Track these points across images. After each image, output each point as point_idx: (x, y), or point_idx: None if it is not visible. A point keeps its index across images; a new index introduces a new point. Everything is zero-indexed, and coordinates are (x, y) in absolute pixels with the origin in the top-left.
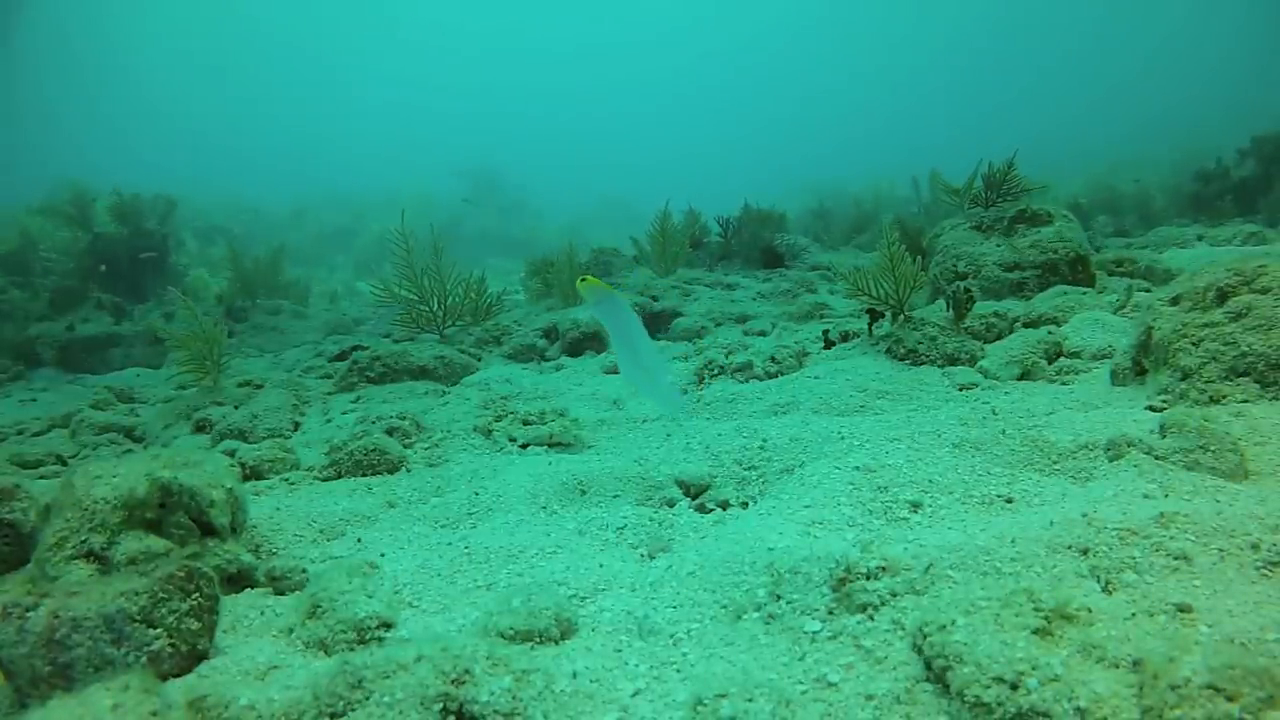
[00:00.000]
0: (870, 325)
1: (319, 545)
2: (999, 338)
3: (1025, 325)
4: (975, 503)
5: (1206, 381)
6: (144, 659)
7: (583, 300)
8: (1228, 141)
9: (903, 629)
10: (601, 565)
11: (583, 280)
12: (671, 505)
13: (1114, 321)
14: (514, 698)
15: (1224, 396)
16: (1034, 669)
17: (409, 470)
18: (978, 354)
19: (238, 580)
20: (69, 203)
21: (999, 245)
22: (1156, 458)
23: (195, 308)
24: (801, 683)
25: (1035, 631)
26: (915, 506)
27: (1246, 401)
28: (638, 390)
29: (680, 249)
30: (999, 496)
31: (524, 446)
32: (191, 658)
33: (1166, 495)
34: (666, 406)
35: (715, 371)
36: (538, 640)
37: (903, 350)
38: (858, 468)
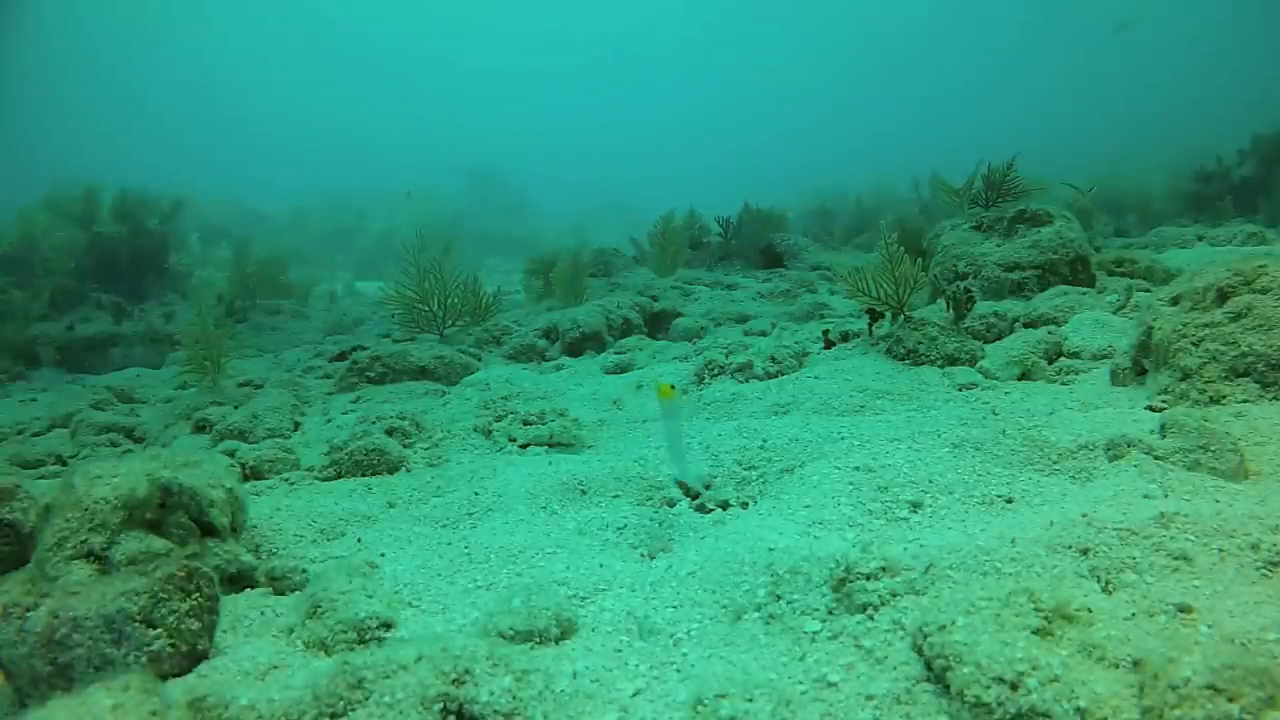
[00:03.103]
0: (870, 325)
1: (319, 545)
2: (999, 338)
3: (1025, 325)
4: (975, 503)
5: (1207, 381)
6: (144, 659)
7: (658, 401)
8: (1228, 141)
9: (903, 629)
10: (601, 565)
11: (661, 387)
12: (672, 505)
13: (1114, 321)
14: (514, 698)
15: (1224, 396)
16: (1034, 669)
17: (409, 470)
18: (978, 354)
19: (238, 580)
20: (77, 199)
21: (999, 245)
22: (1157, 458)
23: (208, 309)
24: (801, 683)
25: (1035, 631)
26: (915, 506)
27: (1247, 401)
28: (674, 462)
29: (680, 249)
30: (999, 496)
31: (524, 446)
32: (191, 658)
33: (1167, 495)
34: (689, 479)
35: (715, 371)
36: (538, 640)
37: (903, 350)
38: (858, 468)
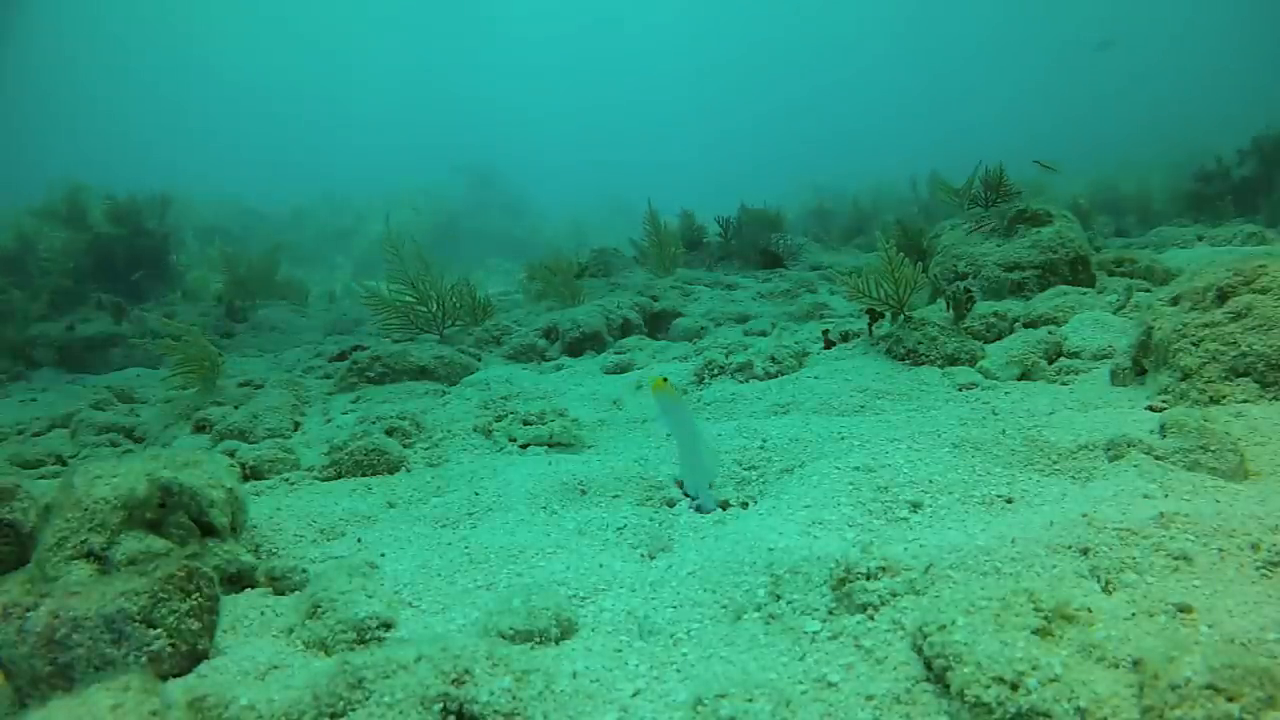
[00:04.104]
0: (870, 325)
1: (319, 545)
2: (999, 338)
3: (1025, 325)
4: (975, 503)
5: (1207, 381)
6: (144, 659)
7: (654, 398)
8: (1228, 141)
9: (903, 629)
10: (601, 565)
11: (655, 382)
12: (671, 505)
13: (1114, 321)
14: (514, 698)
15: (1224, 396)
16: (1034, 669)
17: (409, 470)
18: (978, 354)
19: (238, 580)
20: (63, 204)
21: (999, 245)
22: (1157, 458)
23: (188, 325)
24: (801, 683)
25: (1035, 631)
26: (915, 506)
27: (1246, 401)
28: (686, 480)
29: (676, 249)
30: (999, 496)
31: (524, 446)
32: (191, 658)
33: (1166, 495)
34: (703, 500)
35: (715, 371)
36: (538, 640)
37: (903, 350)
38: (858, 468)
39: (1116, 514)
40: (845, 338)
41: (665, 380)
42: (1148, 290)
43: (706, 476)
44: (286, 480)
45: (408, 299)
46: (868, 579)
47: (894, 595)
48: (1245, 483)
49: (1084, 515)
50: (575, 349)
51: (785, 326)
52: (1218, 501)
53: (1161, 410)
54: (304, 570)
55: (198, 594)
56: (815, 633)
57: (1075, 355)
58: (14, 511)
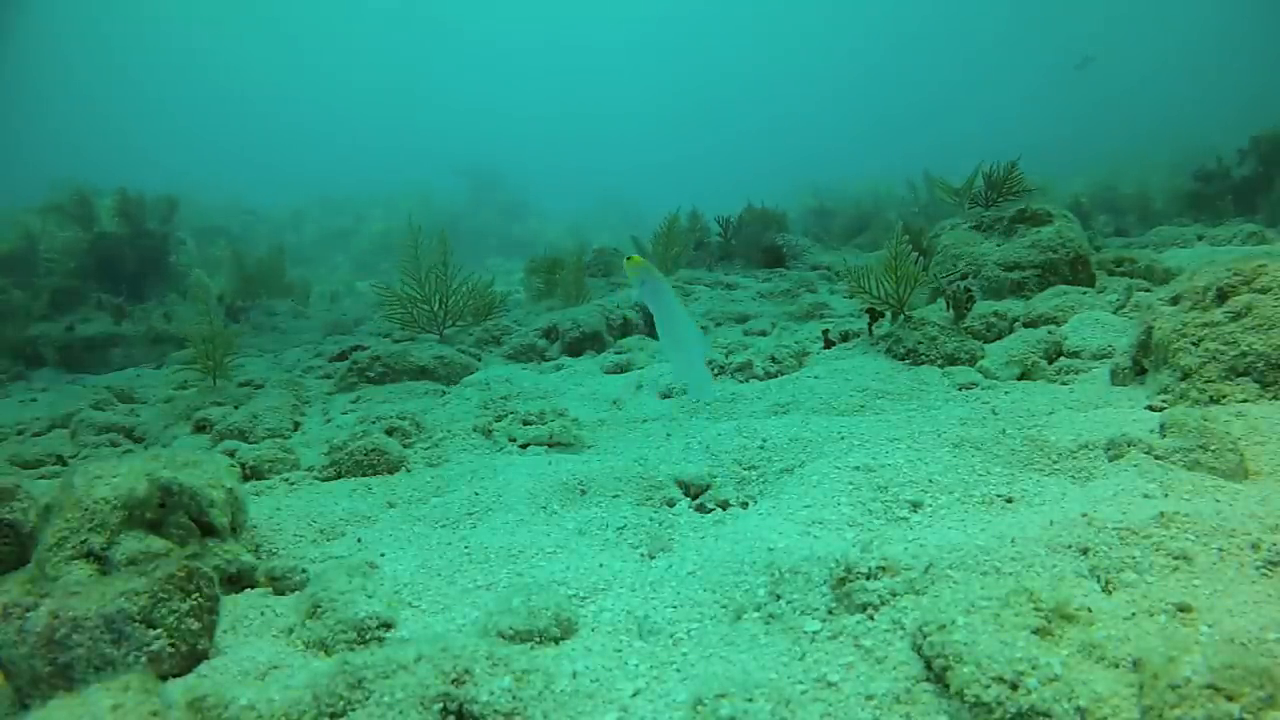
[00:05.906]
0: (870, 325)
1: (319, 545)
2: (999, 338)
3: (1025, 325)
4: (975, 502)
5: (1206, 381)
6: (144, 659)
7: (629, 279)
8: (1228, 141)
9: (903, 629)
10: (601, 565)
11: (629, 260)
12: (671, 505)
13: (1114, 321)
14: (514, 698)
15: (1224, 396)
16: (1034, 669)
17: (409, 470)
18: (978, 354)
19: (238, 580)
20: (72, 201)
21: (999, 245)
22: (1157, 457)
23: (205, 308)
24: (801, 682)
25: (1035, 631)
26: (915, 506)
27: (1246, 401)
28: (673, 368)
29: (683, 249)
30: (999, 496)
31: (524, 446)
32: (191, 658)
33: (1166, 495)
34: (696, 385)
35: (715, 371)
36: (538, 640)
37: (903, 350)
38: (858, 467)
39: (1116, 513)
40: (845, 337)
41: (633, 257)
42: (1148, 290)
43: (695, 357)
44: (286, 480)
45: (412, 295)
46: (868, 579)
47: (894, 595)
48: (1245, 482)
49: (1084, 515)
50: (575, 349)
51: (785, 326)
52: (1218, 501)
53: (1161, 410)
54: (304, 570)
55: (198, 594)
56: (815, 632)
57: (1075, 355)
58: (14, 511)
